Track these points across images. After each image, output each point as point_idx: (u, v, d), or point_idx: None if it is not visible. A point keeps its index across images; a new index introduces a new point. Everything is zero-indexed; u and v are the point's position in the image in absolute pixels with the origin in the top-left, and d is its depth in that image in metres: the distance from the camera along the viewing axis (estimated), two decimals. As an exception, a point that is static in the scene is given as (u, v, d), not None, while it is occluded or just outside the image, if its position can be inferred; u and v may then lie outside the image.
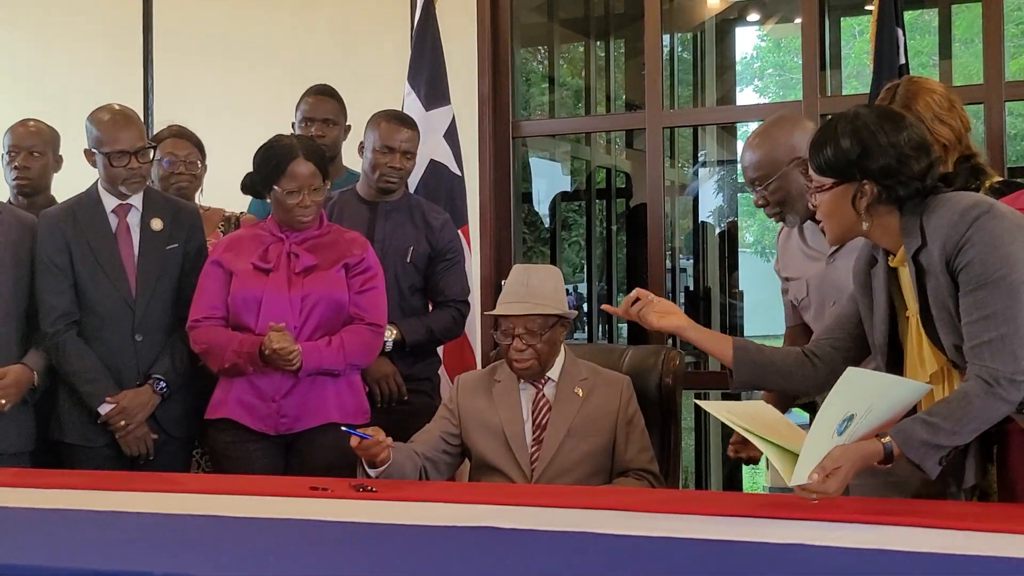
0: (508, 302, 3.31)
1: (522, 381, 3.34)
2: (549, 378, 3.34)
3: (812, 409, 3.01)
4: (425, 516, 2.51)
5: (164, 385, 3.57)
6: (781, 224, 3.25)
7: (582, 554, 2.18)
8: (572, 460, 3.25)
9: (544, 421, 3.31)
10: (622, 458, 3.28)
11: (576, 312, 3.54)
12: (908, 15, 4.46)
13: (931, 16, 8.66)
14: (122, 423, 3.52)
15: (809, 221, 3.09)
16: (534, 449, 3.28)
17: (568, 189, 8.13)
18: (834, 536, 2.19)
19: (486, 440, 3.32)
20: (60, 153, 4.06)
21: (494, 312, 3.34)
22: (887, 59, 4.17)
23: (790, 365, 2.73)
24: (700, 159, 8.65)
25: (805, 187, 2.97)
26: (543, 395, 3.33)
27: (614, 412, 3.30)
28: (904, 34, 4.21)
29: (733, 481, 7.26)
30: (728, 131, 8.90)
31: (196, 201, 4.10)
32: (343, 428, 3.07)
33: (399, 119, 3.99)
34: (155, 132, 4.13)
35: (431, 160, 4.54)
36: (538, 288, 3.30)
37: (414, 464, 3.22)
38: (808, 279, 3.10)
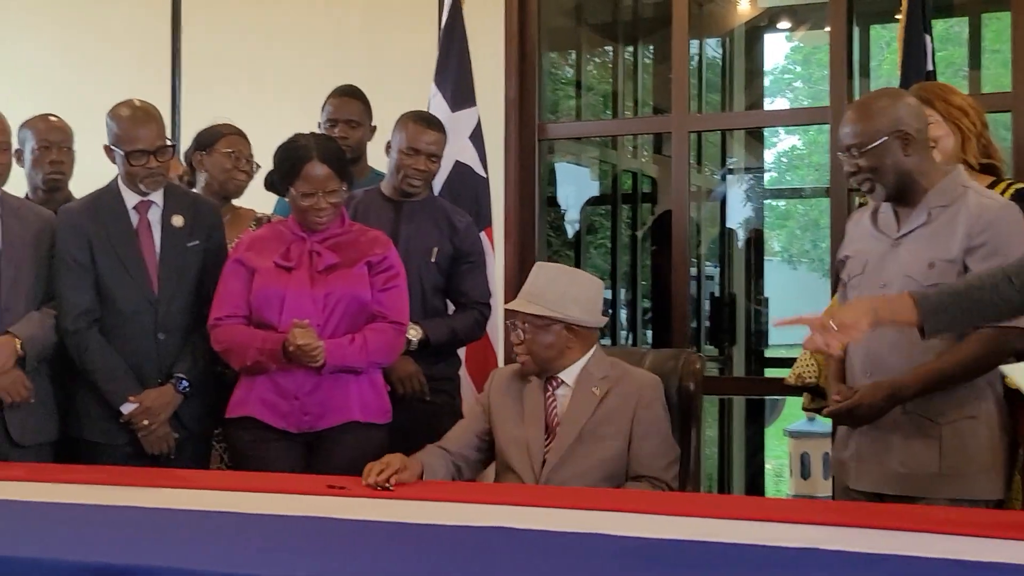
0: (518, 297, 3.34)
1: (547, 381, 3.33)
2: (562, 380, 3.29)
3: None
4: (439, 515, 2.52)
5: (187, 384, 3.56)
6: (858, 207, 3.21)
7: (593, 555, 2.18)
8: (584, 465, 3.18)
9: (555, 423, 3.26)
10: (635, 462, 3.19)
11: (601, 320, 3.38)
12: (938, 26, 4.41)
13: (961, 27, 8.60)
14: (145, 423, 3.51)
15: (884, 204, 3.05)
16: (546, 451, 3.22)
17: (595, 194, 8.11)
18: (838, 541, 2.18)
19: (507, 439, 3.29)
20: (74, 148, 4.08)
21: (507, 305, 3.39)
22: (914, 66, 4.15)
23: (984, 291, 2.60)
24: (728, 166, 8.62)
25: (900, 163, 2.95)
26: (553, 396, 3.29)
27: (629, 414, 3.22)
28: (932, 41, 4.19)
29: (755, 489, 7.24)
30: (756, 138, 8.86)
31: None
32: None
33: (426, 121, 3.97)
34: (212, 125, 4.09)
35: (456, 161, 4.54)
36: (544, 288, 3.29)
37: (447, 468, 3.22)
38: (868, 256, 3.05)
